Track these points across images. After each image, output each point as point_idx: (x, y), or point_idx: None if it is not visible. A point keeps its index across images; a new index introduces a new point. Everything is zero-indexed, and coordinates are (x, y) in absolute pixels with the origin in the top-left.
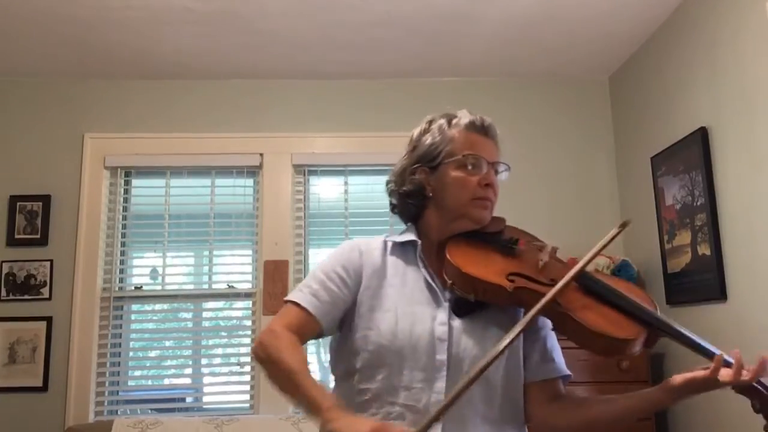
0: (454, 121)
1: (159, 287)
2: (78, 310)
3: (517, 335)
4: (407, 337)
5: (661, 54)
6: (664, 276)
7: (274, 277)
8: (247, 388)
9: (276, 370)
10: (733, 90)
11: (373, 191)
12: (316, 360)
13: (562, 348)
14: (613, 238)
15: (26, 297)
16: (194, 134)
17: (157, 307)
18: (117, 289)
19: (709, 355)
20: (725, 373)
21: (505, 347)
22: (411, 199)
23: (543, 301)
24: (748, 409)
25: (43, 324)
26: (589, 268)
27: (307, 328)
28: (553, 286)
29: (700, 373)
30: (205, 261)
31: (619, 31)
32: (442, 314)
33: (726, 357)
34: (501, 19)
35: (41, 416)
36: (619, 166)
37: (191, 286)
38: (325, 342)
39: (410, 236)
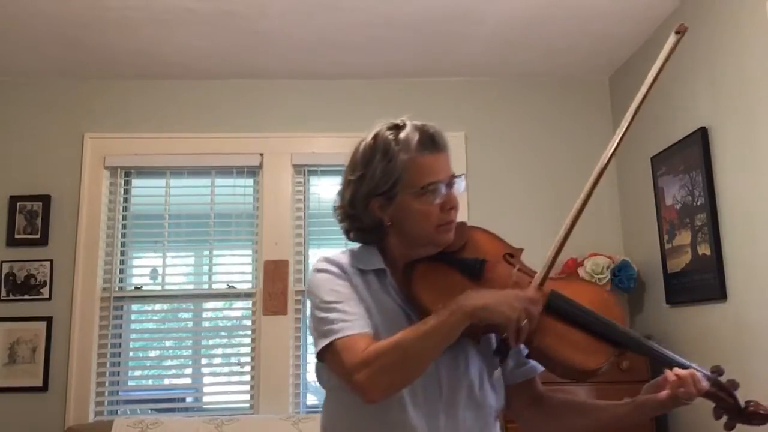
0: (402, 138)
1: (159, 287)
2: (78, 310)
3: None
4: None
5: (660, 54)
6: (664, 276)
7: (274, 277)
8: (247, 388)
9: (395, 360)
10: (733, 90)
11: None
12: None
13: None
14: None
15: (26, 297)
16: (194, 134)
17: (157, 307)
18: (117, 289)
19: (685, 366)
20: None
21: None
22: (369, 232)
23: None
24: None
25: (43, 324)
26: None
27: None
28: None
29: (663, 394)
30: (205, 261)
31: (619, 31)
32: None
33: (700, 369)
34: (501, 20)
35: (41, 416)
36: (619, 166)
37: (191, 286)
38: None
39: (378, 263)
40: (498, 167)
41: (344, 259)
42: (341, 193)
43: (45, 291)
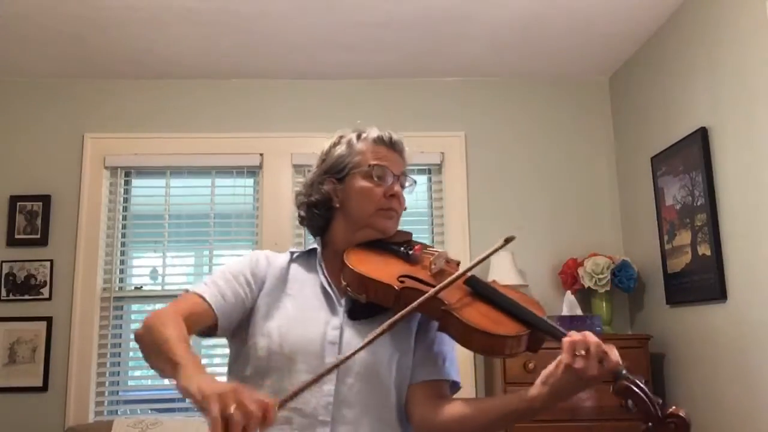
0: (363, 136)
1: (159, 287)
2: (78, 310)
3: (388, 327)
4: (298, 342)
5: (661, 54)
6: (664, 276)
7: None
8: None
9: (149, 340)
10: (733, 90)
11: None
12: None
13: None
14: (495, 251)
15: (26, 297)
16: (194, 134)
17: (157, 307)
18: (117, 289)
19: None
20: (581, 361)
21: (373, 339)
22: (318, 209)
23: (423, 297)
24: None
25: (43, 324)
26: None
27: (202, 318)
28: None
29: (551, 365)
30: (205, 261)
31: (619, 31)
32: (336, 320)
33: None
34: (501, 19)
35: (41, 416)
36: (619, 166)
37: (191, 286)
38: None
39: (314, 245)
40: (498, 167)
41: (281, 254)
42: (303, 183)
43: (45, 291)
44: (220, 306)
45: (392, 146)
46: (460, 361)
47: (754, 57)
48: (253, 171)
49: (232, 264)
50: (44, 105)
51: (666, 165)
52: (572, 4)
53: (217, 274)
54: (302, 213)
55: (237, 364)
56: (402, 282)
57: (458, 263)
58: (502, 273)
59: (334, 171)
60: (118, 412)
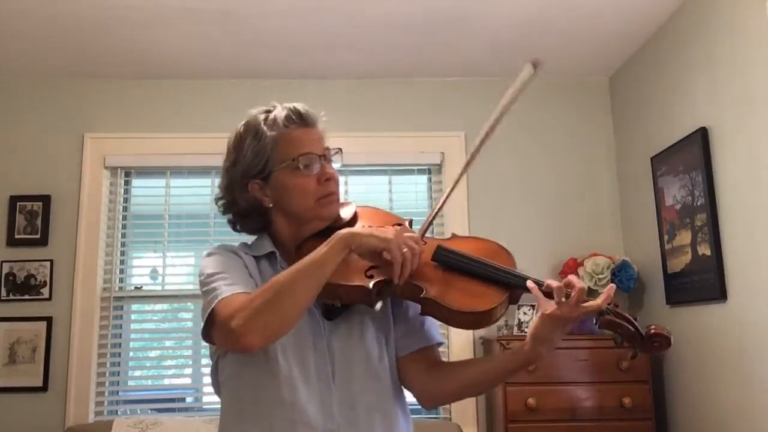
0: (270, 119)
1: (159, 287)
2: (78, 310)
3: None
4: (293, 350)
5: (661, 54)
6: (664, 276)
7: None
8: None
9: (269, 298)
10: (733, 90)
11: (372, 191)
12: None
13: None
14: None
15: (26, 297)
16: (194, 134)
17: (157, 307)
18: (117, 289)
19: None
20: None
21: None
22: (252, 217)
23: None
24: (749, 408)
25: (43, 324)
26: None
27: None
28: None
29: (535, 318)
30: None
31: (619, 31)
32: (316, 324)
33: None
34: (501, 19)
35: (41, 416)
36: (619, 166)
37: (191, 286)
38: None
39: (268, 247)
40: (498, 167)
41: (237, 248)
42: (220, 184)
43: (45, 291)
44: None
45: (306, 122)
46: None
47: (754, 57)
48: None
49: (215, 265)
50: (44, 105)
51: (666, 165)
52: (572, 4)
53: (221, 274)
54: (231, 220)
55: (232, 359)
56: (371, 277)
57: (410, 221)
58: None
59: (253, 173)
60: (118, 412)
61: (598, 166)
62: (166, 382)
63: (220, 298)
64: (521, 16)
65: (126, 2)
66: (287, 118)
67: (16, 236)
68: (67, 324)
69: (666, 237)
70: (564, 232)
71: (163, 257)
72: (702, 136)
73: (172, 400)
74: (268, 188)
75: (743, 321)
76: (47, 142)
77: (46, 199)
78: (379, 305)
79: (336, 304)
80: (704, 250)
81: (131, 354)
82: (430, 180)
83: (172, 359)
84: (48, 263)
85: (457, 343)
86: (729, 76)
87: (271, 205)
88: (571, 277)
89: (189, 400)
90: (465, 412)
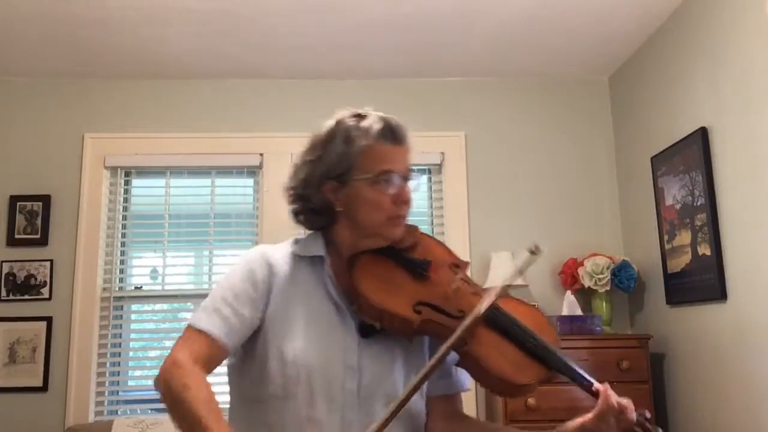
0: (364, 126)
1: (159, 287)
2: (78, 310)
3: (428, 373)
4: (318, 366)
5: (661, 54)
6: (664, 276)
7: None
8: None
9: (181, 411)
10: (733, 90)
11: None
12: None
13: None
14: (526, 266)
15: (26, 297)
16: (194, 134)
17: (157, 307)
18: (117, 289)
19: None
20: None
21: (416, 385)
22: (316, 213)
23: (448, 341)
24: (749, 407)
25: (43, 324)
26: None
27: (217, 359)
28: (461, 318)
29: (589, 416)
30: (205, 261)
31: (619, 31)
32: (350, 339)
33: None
34: (501, 19)
35: (41, 416)
36: (619, 166)
37: (191, 286)
38: None
39: (318, 250)
40: (498, 167)
41: (281, 250)
42: (295, 174)
43: (45, 291)
44: (230, 338)
45: (397, 139)
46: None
47: (754, 57)
48: (253, 171)
49: (234, 280)
50: (44, 105)
51: (666, 165)
52: (572, 4)
53: (218, 299)
54: (297, 210)
55: (248, 376)
56: (419, 313)
57: (467, 264)
58: (502, 272)
59: (334, 174)
60: (118, 412)
61: (598, 166)
62: None
63: (193, 323)
64: (521, 16)
65: (126, 2)
66: (381, 131)
67: (16, 236)
68: (67, 324)
69: (666, 237)
70: (564, 232)
71: (163, 257)
72: (702, 136)
73: None
74: (342, 192)
75: (743, 321)
76: (47, 142)
77: (46, 199)
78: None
79: (375, 326)
80: (704, 250)
81: (131, 354)
82: (430, 180)
83: None
84: (48, 263)
85: None
86: (729, 76)
87: (340, 209)
88: (628, 404)
89: None
90: (465, 411)
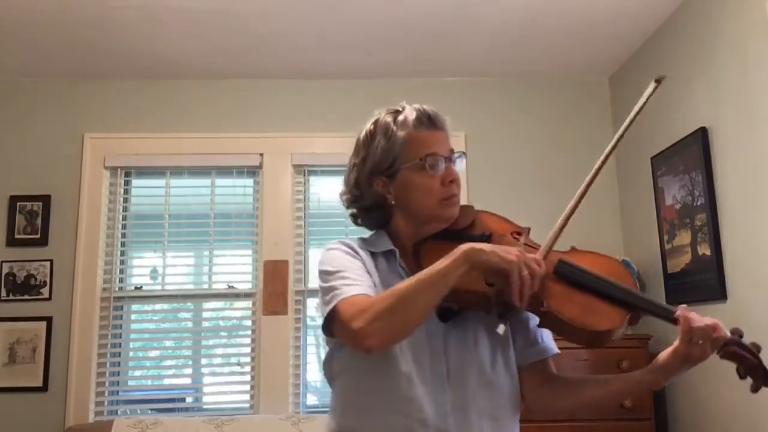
0: (400, 120)
1: (159, 287)
2: (78, 310)
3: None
4: (408, 351)
5: (661, 54)
6: (664, 276)
7: (274, 277)
8: (247, 388)
9: (391, 303)
10: (733, 90)
11: None
12: (316, 360)
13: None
14: (648, 98)
15: (26, 297)
16: (194, 134)
17: (157, 307)
18: (117, 289)
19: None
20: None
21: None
22: (374, 212)
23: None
24: (749, 407)
25: (43, 324)
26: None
27: None
28: None
29: (677, 343)
30: (205, 261)
31: (619, 31)
32: (433, 324)
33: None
34: (501, 19)
35: (41, 416)
36: (619, 166)
37: (191, 286)
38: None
39: (387, 245)
40: (498, 167)
41: (355, 243)
42: (346, 179)
43: (45, 291)
44: (374, 291)
45: (434, 125)
46: None
47: (754, 57)
48: (253, 171)
49: (341, 263)
50: (44, 105)
51: (666, 165)
52: (572, 4)
53: (343, 273)
54: (353, 212)
55: (343, 352)
56: (492, 285)
57: (528, 229)
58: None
59: (381, 169)
60: (118, 412)
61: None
62: (166, 382)
63: (341, 297)
64: (521, 17)
65: (126, 2)
66: (417, 119)
67: (16, 236)
68: (67, 324)
69: (666, 237)
70: (564, 232)
71: (163, 257)
72: (702, 136)
73: (172, 400)
74: (393, 186)
75: (743, 321)
76: (47, 142)
77: (46, 199)
78: (501, 328)
79: (453, 308)
80: (704, 249)
81: (131, 354)
82: None
83: (171, 359)
84: (48, 263)
85: None
86: (729, 76)
87: (393, 202)
88: (718, 323)
89: (189, 400)
90: None
